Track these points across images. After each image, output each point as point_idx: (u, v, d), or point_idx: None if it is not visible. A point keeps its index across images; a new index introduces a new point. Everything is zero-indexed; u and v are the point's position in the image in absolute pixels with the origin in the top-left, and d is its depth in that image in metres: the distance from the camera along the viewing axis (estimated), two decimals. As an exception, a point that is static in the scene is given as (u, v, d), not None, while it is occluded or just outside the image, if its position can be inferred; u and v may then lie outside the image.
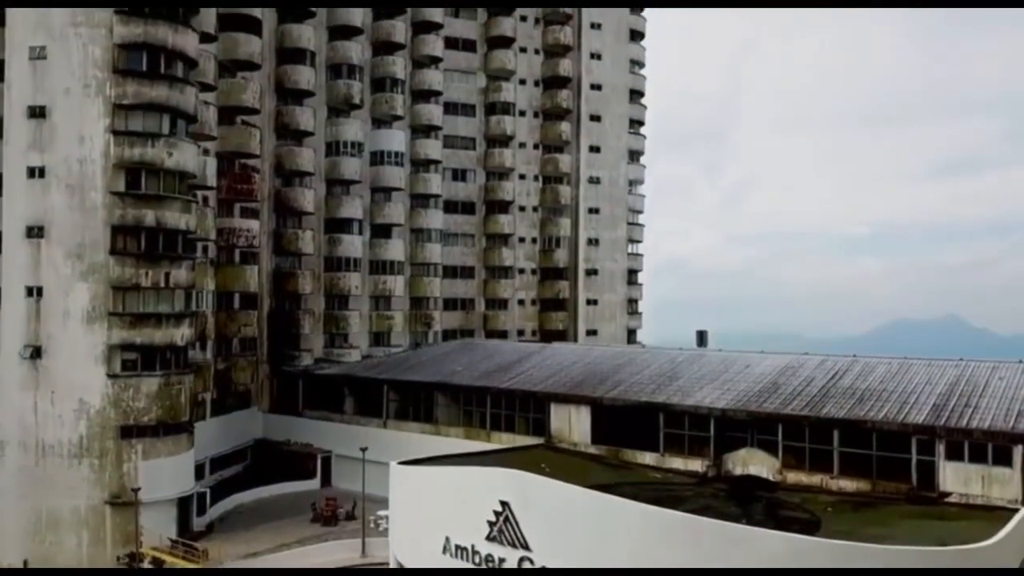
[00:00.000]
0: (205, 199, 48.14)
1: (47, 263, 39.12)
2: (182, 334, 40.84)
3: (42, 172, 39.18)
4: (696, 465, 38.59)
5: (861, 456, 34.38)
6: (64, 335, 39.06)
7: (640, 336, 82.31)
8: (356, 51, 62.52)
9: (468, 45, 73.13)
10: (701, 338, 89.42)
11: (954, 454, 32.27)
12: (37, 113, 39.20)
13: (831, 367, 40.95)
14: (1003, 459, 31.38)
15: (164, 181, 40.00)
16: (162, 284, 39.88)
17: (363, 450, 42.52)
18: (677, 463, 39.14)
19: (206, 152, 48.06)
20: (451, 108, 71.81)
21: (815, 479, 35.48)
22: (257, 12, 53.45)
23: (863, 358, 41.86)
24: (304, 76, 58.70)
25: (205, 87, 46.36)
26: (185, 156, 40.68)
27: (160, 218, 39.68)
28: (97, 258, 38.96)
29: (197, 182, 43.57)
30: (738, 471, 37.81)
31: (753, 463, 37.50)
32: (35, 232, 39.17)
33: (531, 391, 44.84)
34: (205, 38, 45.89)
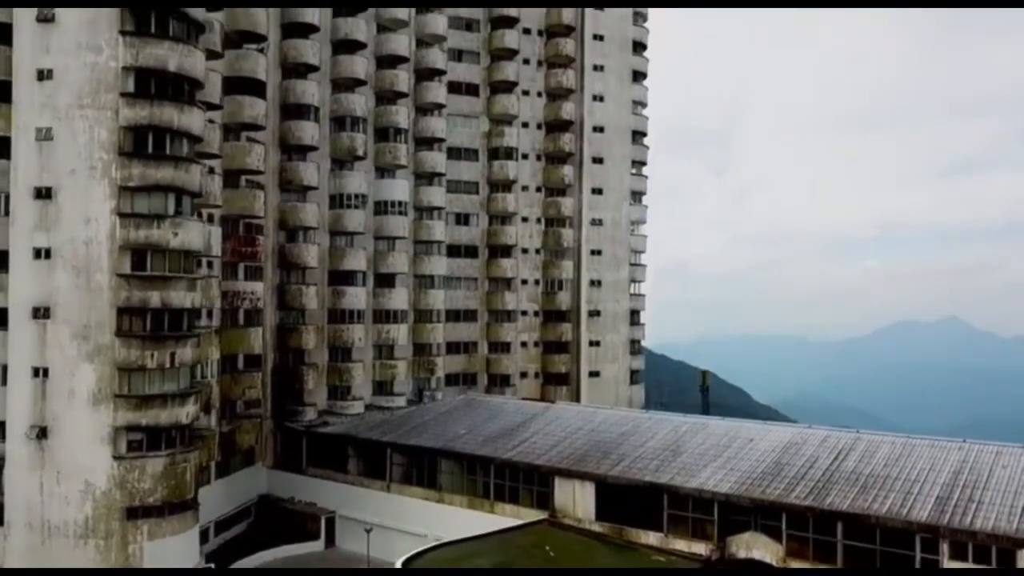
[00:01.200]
0: (210, 263, 48.23)
1: (53, 344, 39.21)
2: (187, 412, 40.93)
3: (48, 253, 39.30)
4: (700, 548, 38.71)
5: (865, 550, 34.47)
6: (70, 416, 39.16)
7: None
8: (360, 103, 62.63)
9: (471, 89, 73.35)
10: (703, 380, 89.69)
11: (958, 554, 32.39)
12: (43, 194, 39.32)
13: (834, 445, 41.06)
14: (1007, 562, 31.47)
15: (169, 261, 40.10)
16: (167, 364, 39.98)
17: (368, 530, 42.58)
18: (681, 544, 39.26)
19: (211, 219, 48.23)
20: (454, 153, 71.99)
21: (820, 568, 35.57)
22: (262, 73, 53.49)
23: (866, 435, 41.98)
24: (308, 132, 58.82)
25: (210, 156, 46.51)
26: (191, 235, 40.79)
27: (165, 298, 39.78)
28: (103, 339, 39.06)
29: (202, 250, 43.55)
30: (742, 555, 37.94)
31: (757, 548, 37.60)
32: (41, 313, 39.27)
33: (535, 464, 44.93)
34: (211, 106, 46.10)
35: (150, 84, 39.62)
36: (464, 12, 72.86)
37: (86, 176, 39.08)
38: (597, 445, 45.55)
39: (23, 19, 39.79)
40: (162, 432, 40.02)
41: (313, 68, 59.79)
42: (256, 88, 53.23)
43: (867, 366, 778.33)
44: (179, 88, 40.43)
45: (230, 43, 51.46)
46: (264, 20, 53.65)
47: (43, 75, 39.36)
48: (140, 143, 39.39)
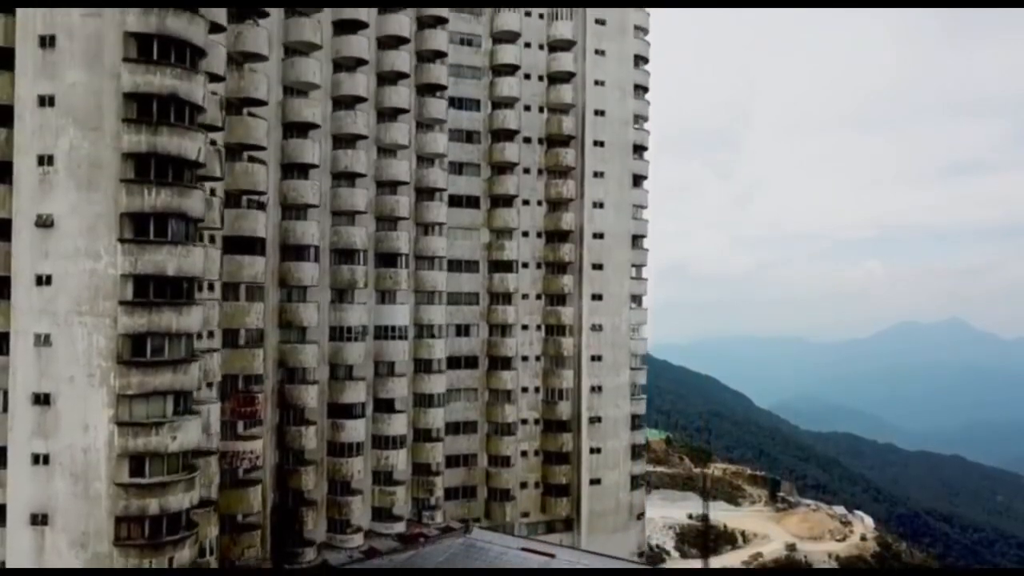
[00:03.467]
0: (208, 438, 48.06)
1: (51, 551, 39.17)
2: (185, 608, 40.86)
3: (46, 459, 39.31)
4: None
5: None
6: (68, 622, 39.09)
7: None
8: (360, 235, 62.64)
9: (471, 202, 73.67)
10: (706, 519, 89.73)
11: None
12: (42, 400, 39.34)
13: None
14: None
15: (168, 464, 40.11)
16: (165, 566, 39.94)
17: None
18: None
19: (209, 385, 48.19)
20: (454, 265, 72.20)
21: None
22: (261, 230, 53.51)
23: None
24: (308, 272, 58.79)
25: (209, 333, 46.58)
26: (189, 435, 40.78)
27: (164, 504, 39.72)
28: (101, 548, 39.01)
29: (201, 444, 43.52)
30: None
31: None
32: (39, 520, 39.25)
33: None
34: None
35: (149, 290, 39.64)
36: (465, 122, 73.23)
37: (84, 383, 39.11)
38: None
39: (21, 223, 39.87)
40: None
41: (313, 205, 59.81)
42: (254, 246, 53.14)
43: (868, 368, 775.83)
44: (178, 290, 40.46)
45: (230, 203, 51.51)
46: (264, 179, 53.63)
47: (42, 280, 39.45)
48: (138, 350, 39.42)
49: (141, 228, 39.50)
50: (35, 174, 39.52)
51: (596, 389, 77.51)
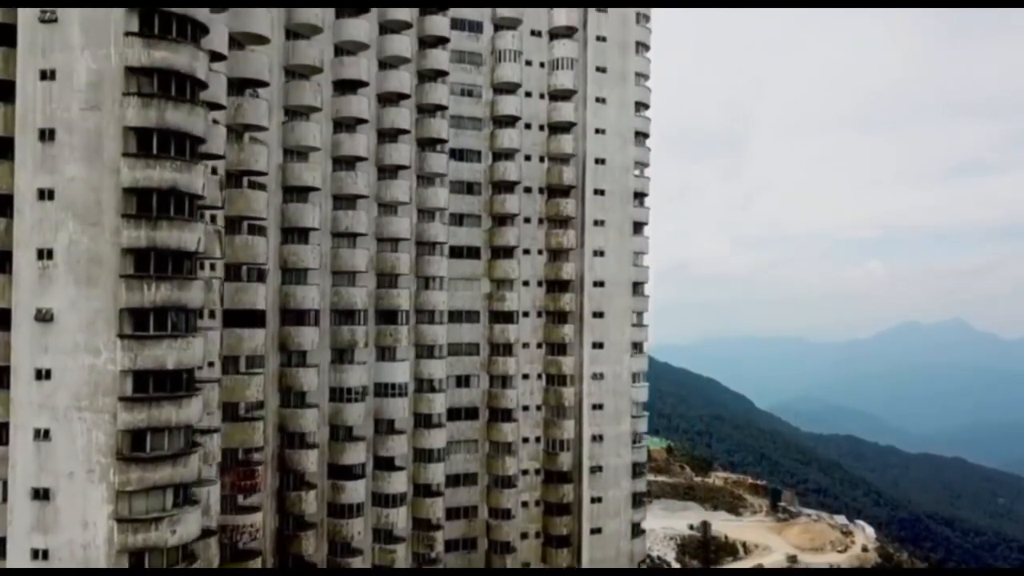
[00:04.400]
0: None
1: (50, 647, 39.06)
2: None
3: (46, 554, 39.14)
4: None
5: None
6: None
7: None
8: (361, 296, 62.58)
9: (472, 252, 73.46)
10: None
11: None
12: (41, 495, 39.21)
13: None
14: None
15: (167, 556, 39.99)
16: (165, 660, 39.83)
17: None
18: None
19: (206, 459, 48.02)
20: (455, 316, 72.01)
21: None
22: (261, 302, 53.40)
23: None
24: (308, 337, 58.64)
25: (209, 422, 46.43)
26: (189, 527, 40.66)
27: (163, 598, 39.64)
28: (100, 644, 38.88)
29: (198, 535, 43.33)
30: None
31: None
32: (38, 616, 39.13)
33: None
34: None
35: (148, 384, 39.52)
36: (466, 174, 73.15)
37: (84, 479, 38.98)
38: None
39: (21, 316, 39.77)
40: None
41: (313, 269, 59.68)
42: (255, 319, 53.05)
43: (869, 368, 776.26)
44: (177, 383, 40.34)
45: (230, 275, 51.43)
46: (264, 251, 53.56)
47: (41, 375, 39.34)
48: (138, 445, 39.32)
49: (141, 323, 39.39)
50: (35, 267, 39.44)
51: (597, 438, 77.33)
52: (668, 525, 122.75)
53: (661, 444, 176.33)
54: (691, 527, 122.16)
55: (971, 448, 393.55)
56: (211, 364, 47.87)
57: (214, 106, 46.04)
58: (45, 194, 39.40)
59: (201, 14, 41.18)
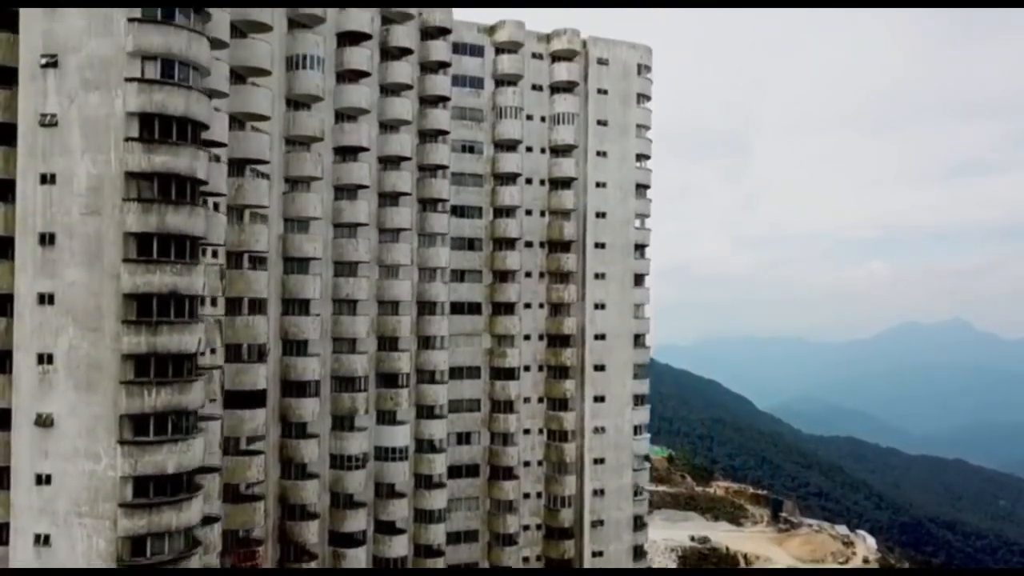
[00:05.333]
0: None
1: None
2: None
3: (46, 661, 39.04)
4: None
5: None
6: None
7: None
8: (361, 363, 62.46)
9: (473, 308, 73.32)
10: None
11: None
12: (40, 604, 39.09)
13: None
14: None
15: (168, 658, 39.88)
16: None
17: None
18: None
19: (208, 552, 47.90)
20: (456, 373, 71.88)
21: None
22: (262, 382, 53.24)
23: None
24: (308, 408, 58.49)
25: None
26: (189, 627, 40.53)
27: None
28: None
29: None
30: None
31: None
32: None
33: None
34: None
35: (149, 489, 39.38)
36: (467, 230, 73.08)
37: (85, 587, 38.83)
38: None
39: (21, 420, 39.67)
40: None
41: (312, 341, 59.51)
42: (256, 399, 52.88)
43: (870, 368, 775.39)
44: (178, 485, 40.20)
45: (231, 356, 51.32)
46: (265, 329, 53.42)
47: (41, 479, 39.19)
48: (138, 550, 39.14)
49: (141, 428, 39.25)
50: (35, 372, 39.33)
51: (599, 492, 77.27)
52: (669, 536, 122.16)
53: (662, 453, 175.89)
54: (692, 538, 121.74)
55: (972, 449, 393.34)
56: (211, 453, 47.70)
57: (215, 193, 45.97)
58: (45, 298, 39.28)
59: (202, 111, 41.08)
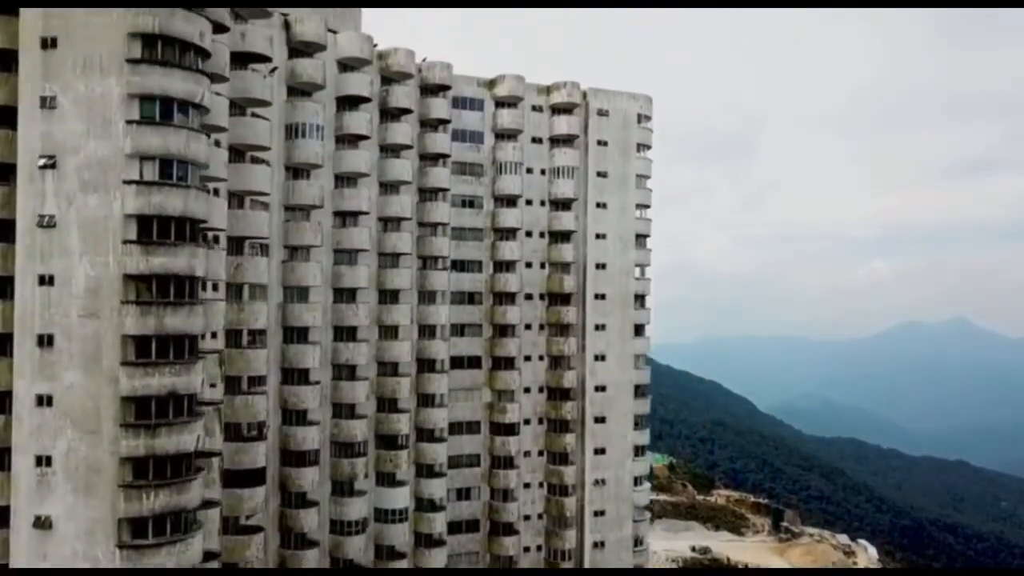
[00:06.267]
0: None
1: None
2: None
3: None
4: None
5: None
6: None
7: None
8: (360, 428, 62.28)
9: (473, 363, 73.21)
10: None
11: None
12: None
13: None
14: None
15: None
16: None
17: None
18: None
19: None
20: (455, 428, 71.76)
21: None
22: (261, 460, 53.15)
23: None
24: (308, 478, 58.33)
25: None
26: None
27: None
28: None
29: None
30: None
31: None
32: None
33: None
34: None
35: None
36: (467, 284, 72.99)
37: None
38: None
39: (20, 522, 39.56)
40: None
41: (312, 414, 59.35)
42: (255, 477, 52.74)
43: (872, 367, 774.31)
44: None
45: (230, 434, 51.25)
46: (264, 407, 53.36)
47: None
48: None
49: (139, 531, 39.13)
50: (33, 474, 39.22)
51: (599, 545, 77.20)
52: (670, 547, 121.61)
53: (663, 461, 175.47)
54: (693, 549, 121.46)
55: (973, 449, 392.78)
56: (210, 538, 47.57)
57: (214, 282, 45.87)
58: (44, 400, 39.19)
59: (200, 209, 40.99)
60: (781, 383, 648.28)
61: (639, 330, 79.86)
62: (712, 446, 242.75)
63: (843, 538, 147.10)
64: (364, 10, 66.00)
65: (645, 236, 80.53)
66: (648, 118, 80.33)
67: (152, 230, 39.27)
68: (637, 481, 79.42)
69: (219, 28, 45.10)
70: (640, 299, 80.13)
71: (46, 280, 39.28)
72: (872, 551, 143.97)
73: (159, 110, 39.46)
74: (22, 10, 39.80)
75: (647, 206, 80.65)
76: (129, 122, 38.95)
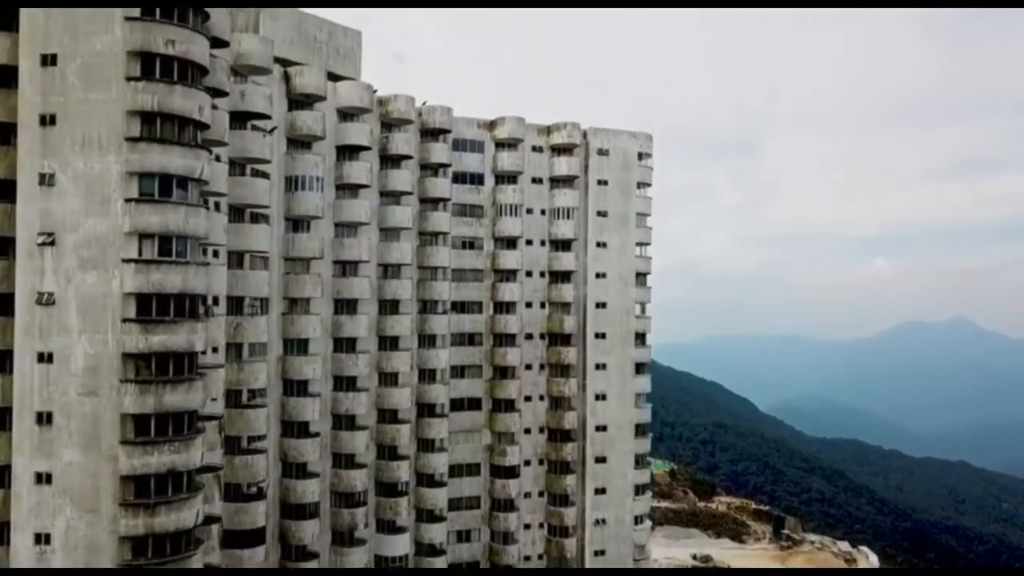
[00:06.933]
0: None
1: None
2: None
3: None
4: None
5: None
6: None
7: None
8: (360, 478, 62.11)
9: (473, 404, 73.07)
10: None
11: None
12: None
13: None
14: None
15: None
16: None
17: None
18: None
19: None
20: (456, 471, 71.51)
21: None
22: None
23: None
24: (308, 531, 58.22)
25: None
26: None
27: None
28: None
29: None
30: None
31: None
32: None
33: None
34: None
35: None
36: (468, 326, 72.83)
37: None
38: None
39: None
40: None
41: (312, 466, 59.21)
42: (255, 537, 52.62)
43: (873, 367, 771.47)
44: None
45: (229, 493, 51.18)
46: (264, 466, 53.25)
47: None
48: None
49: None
50: (32, 552, 39.18)
51: (599, 584, 77.01)
52: (671, 555, 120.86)
53: (664, 467, 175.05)
54: (694, 557, 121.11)
55: (975, 449, 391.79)
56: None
57: (212, 352, 45.80)
58: (43, 478, 39.14)
59: (200, 284, 40.92)
60: (783, 382, 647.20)
61: (640, 368, 79.73)
62: (713, 448, 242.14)
63: (844, 545, 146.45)
64: (364, 54, 65.63)
65: (645, 274, 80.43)
66: (648, 156, 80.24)
67: (151, 308, 39.21)
68: (637, 520, 79.23)
69: (218, 93, 45.11)
70: (641, 337, 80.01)
71: (45, 357, 39.24)
72: (873, 557, 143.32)
73: (158, 187, 39.41)
74: (20, 86, 39.75)
75: (647, 244, 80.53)
76: (128, 200, 38.90)
